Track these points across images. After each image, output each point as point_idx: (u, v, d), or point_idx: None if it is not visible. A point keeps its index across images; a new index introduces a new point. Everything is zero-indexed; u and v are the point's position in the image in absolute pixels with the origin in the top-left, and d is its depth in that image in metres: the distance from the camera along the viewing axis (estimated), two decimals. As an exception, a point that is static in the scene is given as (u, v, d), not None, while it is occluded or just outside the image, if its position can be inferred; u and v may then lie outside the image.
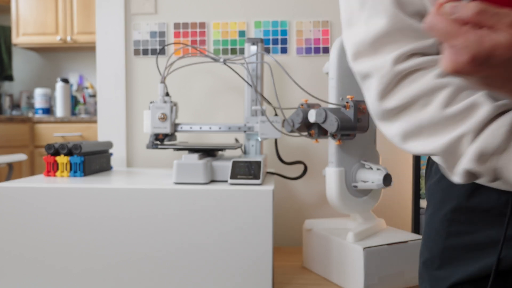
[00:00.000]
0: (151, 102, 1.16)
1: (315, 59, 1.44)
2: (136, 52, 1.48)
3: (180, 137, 1.47)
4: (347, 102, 1.00)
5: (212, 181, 1.05)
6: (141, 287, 0.98)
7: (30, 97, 3.50)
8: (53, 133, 2.92)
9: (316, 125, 1.05)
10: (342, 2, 0.61)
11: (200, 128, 1.19)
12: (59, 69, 3.52)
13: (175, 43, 1.47)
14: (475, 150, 0.48)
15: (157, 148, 1.15)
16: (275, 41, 1.44)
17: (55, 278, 0.99)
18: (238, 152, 1.42)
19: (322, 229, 1.14)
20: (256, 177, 1.00)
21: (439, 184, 0.71)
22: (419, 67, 0.53)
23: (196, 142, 1.44)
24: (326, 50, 1.43)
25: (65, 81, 3.22)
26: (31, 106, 3.48)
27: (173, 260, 0.97)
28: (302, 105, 1.09)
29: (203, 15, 1.46)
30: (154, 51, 1.48)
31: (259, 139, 1.16)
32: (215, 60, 1.21)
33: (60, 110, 3.18)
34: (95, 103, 3.27)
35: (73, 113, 3.30)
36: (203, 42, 1.46)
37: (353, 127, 0.99)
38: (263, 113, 1.11)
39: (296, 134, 1.06)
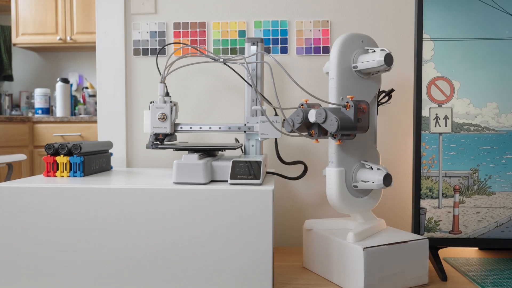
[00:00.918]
0: (151, 102, 1.16)
1: (315, 59, 1.44)
2: (136, 52, 1.48)
3: (180, 137, 1.47)
4: (347, 102, 1.00)
5: (212, 181, 1.05)
6: (140, 286, 0.98)
7: (30, 97, 3.50)
8: (52, 133, 2.92)
9: (316, 125, 1.05)
10: None
11: (200, 128, 1.19)
12: (58, 69, 3.52)
13: (175, 43, 1.47)
14: None
15: (157, 148, 1.15)
16: (275, 41, 1.44)
17: (55, 278, 0.99)
18: (238, 152, 1.42)
19: (322, 229, 1.14)
20: (256, 177, 1.00)
21: None
22: None
23: (196, 142, 1.44)
24: (326, 50, 1.43)
25: (65, 81, 3.22)
26: (30, 106, 3.48)
27: (173, 260, 0.97)
28: (302, 105, 1.09)
29: (203, 15, 1.46)
30: (154, 51, 1.47)
31: (259, 139, 1.16)
32: (215, 60, 1.21)
33: (59, 110, 3.18)
34: (95, 103, 3.27)
35: (72, 113, 3.30)
36: (203, 42, 1.46)
37: (353, 127, 0.99)
38: (263, 113, 1.11)
39: (296, 134, 1.06)
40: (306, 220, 1.20)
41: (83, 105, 3.31)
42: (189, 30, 1.46)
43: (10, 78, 3.46)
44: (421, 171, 1.20)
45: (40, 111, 3.19)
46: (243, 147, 1.26)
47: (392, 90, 1.18)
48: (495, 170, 1.19)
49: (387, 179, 1.04)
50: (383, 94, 1.18)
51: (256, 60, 1.25)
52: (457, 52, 1.17)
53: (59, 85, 3.14)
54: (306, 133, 1.08)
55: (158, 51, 1.47)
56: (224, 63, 1.23)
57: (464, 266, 1.19)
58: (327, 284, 1.07)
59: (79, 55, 3.45)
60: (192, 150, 1.13)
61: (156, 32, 1.47)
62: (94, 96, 3.27)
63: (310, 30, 1.43)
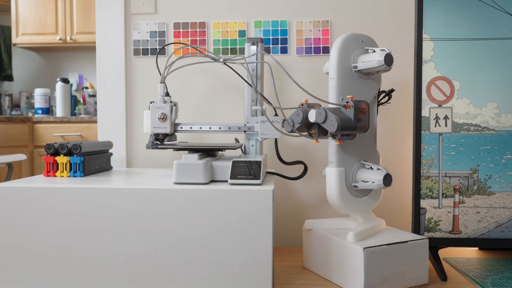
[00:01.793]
0: (151, 102, 1.16)
1: (315, 59, 1.44)
2: (136, 52, 1.48)
3: (180, 137, 1.47)
4: (347, 102, 1.00)
5: (212, 181, 1.05)
6: (140, 286, 0.98)
7: (30, 97, 3.50)
8: (52, 133, 2.92)
9: (316, 125, 1.05)
10: None
11: (200, 128, 1.19)
12: (58, 69, 3.52)
13: (175, 43, 1.47)
14: None
15: (157, 148, 1.15)
16: (275, 41, 1.44)
17: (55, 278, 0.99)
18: (238, 152, 1.42)
19: (322, 229, 1.14)
20: (256, 177, 1.00)
21: None
22: None
23: (196, 142, 1.44)
24: (326, 50, 1.43)
25: (65, 81, 3.22)
26: (30, 106, 3.49)
27: (173, 260, 0.97)
28: (302, 105, 1.09)
29: (203, 15, 1.46)
30: (154, 51, 1.47)
31: (259, 139, 1.16)
32: (215, 60, 1.21)
33: (59, 110, 3.18)
34: (95, 103, 3.27)
35: (72, 113, 3.30)
36: (203, 42, 1.46)
37: (353, 127, 0.99)
38: (263, 113, 1.11)
39: (296, 134, 1.06)
40: (306, 220, 1.20)
41: (83, 105, 3.31)
42: (189, 30, 1.46)
43: (10, 78, 3.46)
44: (421, 171, 1.20)
45: (40, 111, 3.19)
46: (243, 147, 1.26)
47: (392, 90, 1.18)
48: (495, 170, 1.19)
49: (387, 179, 1.04)
50: (383, 94, 1.18)
51: (256, 60, 1.25)
52: (457, 52, 1.17)
53: (59, 85, 3.14)
54: (306, 133, 1.08)
55: (158, 51, 1.47)
56: (224, 63, 1.23)
57: (464, 266, 1.19)
58: (327, 284, 1.07)
59: (79, 55, 3.45)
60: (192, 150, 1.13)
61: (156, 32, 1.47)
62: (94, 96, 3.27)
63: (310, 30, 1.43)
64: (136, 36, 1.48)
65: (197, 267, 0.97)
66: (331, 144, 1.08)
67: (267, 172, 1.24)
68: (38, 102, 3.19)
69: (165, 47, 1.47)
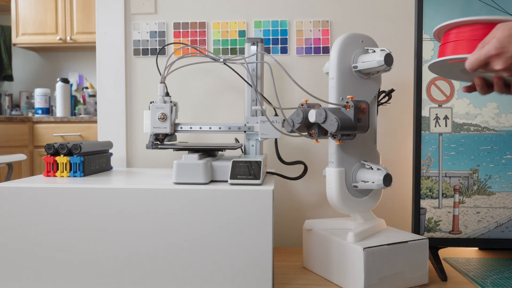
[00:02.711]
0: (151, 102, 1.16)
1: (315, 59, 1.44)
2: (136, 52, 1.48)
3: (180, 137, 1.47)
4: (347, 102, 1.00)
5: (212, 181, 1.05)
6: (140, 286, 0.98)
7: (30, 97, 3.50)
8: (52, 133, 2.92)
9: (316, 125, 1.05)
10: None
11: (200, 128, 1.19)
12: (58, 69, 3.52)
13: (175, 43, 1.47)
14: None
15: (157, 148, 1.15)
16: (275, 41, 1.44)
17: (56, 277, 0.99)
18: (238, 152, 1.42)
19: (322, 229, 1.14)
20: (256, 177, 1.00)
21: None
22: None
23: (196, 142, 1.44)
24: (326, 50, 1.43)
25: (65, 81, 3.22)
26: (30, 106, 3.48)
27: (173, 260, 0.97)
28: (302, 105, 1.09)
29: (203, 15, 1.46)
30: (154, 51, 1.47)
31: (259, 139, 1.16)
32: (215, 60, 1.21)
33: (59, 110, 3.18)
34: (95, 103, 3.27)
35: (72, 113, 3.30)
36: (203, 42, 1.46)
37: (353, 127, 0.99)
38: (263, 113, 1.11)
39: (296, 134, 1.06)
40: (306, 220, 1.20)
41: (83, 105, 3.31)
42: (189, 30, 1.46)
43: (10, 78, 3.46)
44: (421, 171, 1.20)
45: (40, 111, 3.19)
46: (243, 147, 1.26)
47: (392, 90, 1.18)
48: (495, 170, 1.19)
49: (387, 179, 1.04)
50: (383, 94, 1.18)
51: (256, 60, 1.25)
52: (457, 52, 1.17)
53: (59, 85, 3.14)
54: (306, 133, 1.08)
55: (158, 51, 1.47)
56: (224, 63, 1.23)
57: (464, 266, 1.19)
58: (327, 284, 1.07)
59: (79, 55, 3.45)
60: (192, 150, 1.13)
61: (156, 32, 1.47)
62: (94, 96, 3.27)
63: (310, 30, 1.43)
64: (136, 36, 1.48)
65: (197, 267, 0.97)
66: (331, 144, 1.08)
67: (267, 172, 1.24)
68: (38, 102, 3.19)
69: (165, 47, 1.47)
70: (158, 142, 1.17)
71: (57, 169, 1.12)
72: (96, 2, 1.48)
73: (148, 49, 1.48)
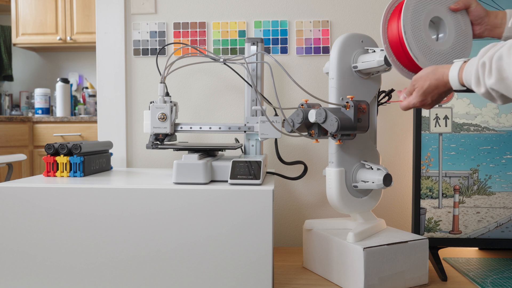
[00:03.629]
0: (151, 102, 1.16)
1: (315, 59, 1.44)
2: (136, 52, 1.48)
3: (180, 137, 1.47)
4: (347, 102, 1.00)
5: (212, 181, 1.05)
6: (140, 287, 0.98)
7: (30, 97, 3.50)
8: (52, 133, 2.92)
9: (316, 125, 1.05)
10: None
11: (200, 128, 1.19)
12: (58, 69, 3.52)
13: (175, 43, 1.47)
14: None
15: (157, 148, 1.15)
16: (275, 41, 1.44)
17: (55, 278, 0.99)
18: (238, 152, 1.42)
19: (322, 229, 1.14)
20: (256, 177, 1.00)
21: None
22: None
23: (196, 142, 1.44)
24: (326, 50, 1.43)
25: (65, 81, 3.21)
26: (30, 106, 3.48)
27: (173, 259, 0.97)
28: (302, 105, 1.09)
29: (203, 15, 1.46)
30: (154, 51, 1.47)
31: (259, 139, 1.16)
32: (215, 60, 1.21)
33: (59, 110, 3.18)
34: (95, 103, 3.27)
35: (72, 113, 3.30)
36: (203, 42, 1.46)
37: (353, 127, 0.99)
38: (263, 113, 1.11)
39: (296, 134, 1.06)
40: (306, 220, 1.20)
41: (83, 105, 3.30)
42: (189, 30, 1.46)
43: (10, 78, 3.46)
44: (421, 171, 1.20)
45: (40, 111, 3.19)
46: (243, 147, 1.26)
47: (392, 90, 1.18)
48: (495, 170, 1.19)
49: (387, 179, 1.04)
50: (383, 94, 1.18)
51: (256, 60, 1.25)
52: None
53: (59, 85, 3.14)
54: (306, 133, 1.08)
55: (158, 51, 1.47)
56: (224, 63, 1.23)
57: (464, 266, 1.19)
58: (327, 284, 1.07)
59: (79, 55, 3.45)
60: (192, 150, 1.13)
61: (156, 32, 1.47)
62: (94, 96, 3.27)
63: (310, 30, 1.43)
64: (136, 36, 1.48)
65: (197, 267, 0.97)
66: (331, 144, 1.08)
67: (267, 172, 1.24)
68: (38, 102, 3.19)
69: (165, 47, 1.47)
70: (158, 142, 1.17)
71: (57, 169, 1.12)
72: (96, 2, 1.48)
73: (148, 49, 1.48)
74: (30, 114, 3.39)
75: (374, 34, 1.43)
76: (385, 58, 1.01)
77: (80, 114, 3.30)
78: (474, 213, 1.20)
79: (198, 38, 1.46)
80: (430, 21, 0.94)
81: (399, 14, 0.93)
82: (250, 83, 1.23)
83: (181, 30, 1.47)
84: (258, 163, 1.02)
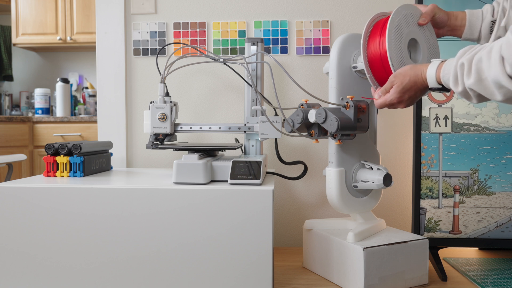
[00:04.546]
0: (151, 102, 1.16)
1: (315, 59, 1.44)
2: (136, 52, 1.48)
3: (180, 137, 1.47)
4: (347, 102, 1.00)
5: (212, 181, 1.05)
6: (140, 287, 0.98)
7: (30, 97, 3.50)
8: (52, 133, 2.92)
9: (316, 125, 1.05)
10: None
11: (200, 128, 1.19)
12: (58, 69, 3.52)
13: (175, 43, 1.47)
14: None
15: (157, 148, 1.15)
16: (275, 41, 1.44)
17: (55, 278, 0.99)
18: (238, 152, 1.42)
19: (322, 229, 1.14)
20: (256, 177, 1.00)
21: None
22: None
23: (196, 142, 1.44)
24: (326, 50, 1.43)
25: (65, 81, 3.21)
26: (30, 106, 3.48)
27: (173, 260, 0.97)
28: (302, 105, 1.09)
29: (203, 15, 1.46)
30: (154, 51, 1.47)
31: (259, 139, 1.16)
32: (215, 60, 1.21)
33: (59, 110, 3.18)
34: (95, 103, 3.27)
35: (72, 113, 3.30)
36: (203, 42, 1.46)
37: (353, 127, 0.99)
38: (263, 113, 1.11)
39: (296, 134, 1.06)
40: (306, 220, 1.20)
41: (83, 105, 3.30)
42: (189, 30, 1.46)
43: (10, 78, 3.46)
44: (421, 171, 1.20)
45: (40, 111, 3.19)
46: (243, 147, 1.26)
47: (392, 90, 1.18)
48: (495, 170, 1.19)
49: (387, 179, 1.04)
50: (383, 94, 1.18)
51: (256, 60, 1.25)
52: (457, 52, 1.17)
53: (59, 85, 3.14)
54: (306, 133, 1.08)
55: (158, 51, 1.47)
56: (224, 63, 1.23)
57: (464, 266, 1.19)
58: (327, 284, 1.07)
59: (79, 55, 3.45)
60: (192, 150, 1.13)
61: (156, 32, 1.47)
62: (94, 96, 3.27)
63: (310, 30, 1.43)
64: (136, 36, 1.48)
65: (197, 267, 0.97)
66: (331, 144, 1.08)
67: (267, 172, 1.24)
68: (38, 102, 3.19)
69: (165, 47, 1.47)
70: (158, 142, 1.17)
71: (57, 169, 1.12)
72: (96, 2, 1.48)
73: (148, 49, 1.48)
74: (30, 114, 3.39)
75: (374, 34, 1.43)
76: None
77: (80, 114, 3.30)
78: (474, 213, 1.20)
79: (198, 38, 1.46)
80: (408, 42, 0.97)
81: (381, 32, 0.96)
82: (250, 83, 1.23)
83: (181, 30, 1.47)
84: (258, 163, 1.02)
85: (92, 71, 3.46)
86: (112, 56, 1.47)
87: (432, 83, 0.87)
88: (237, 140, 1.34)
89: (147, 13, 1.48)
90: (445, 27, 1.02)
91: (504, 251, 1.32)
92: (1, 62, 3.43)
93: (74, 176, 1.11)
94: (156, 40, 1.47)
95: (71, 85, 3.32)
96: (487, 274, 1.12)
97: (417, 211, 1.20)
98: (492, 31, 0.98)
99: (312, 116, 1.02)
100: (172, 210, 0.97)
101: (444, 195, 1.20)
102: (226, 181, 1.04)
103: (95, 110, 3.27)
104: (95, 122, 2.92)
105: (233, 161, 1.03)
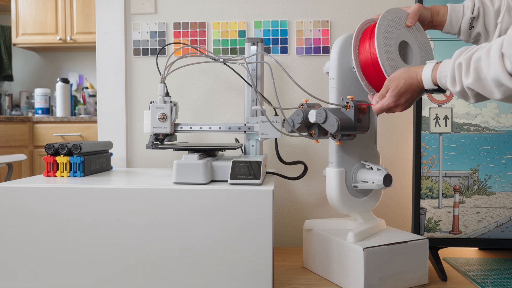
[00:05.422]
0: (151, 102, 1.16)
1: (315, 59, 1.44)
2: (136, 52, 1.48)
3: (180, 137, 1.47)
4: (347, 102, 1.00)
5: (212, 181, 1.05)
6: (140, 287, 0.98)
7: (30, 97, 3.50)
8: (52, 133, 2.92)
9: (317, 125, 1.05)
10: None
11: (200, 128, 1.19)
12: (58, 69, 3.52)
13: (175, 43, 1.47)
14: None
15: (157, 148, 1.15)
16: (275, 41, 1.44)
17: (55, 277, 0.99)
18: (238, 152, 1.42)
19: (322, 229, 1.14)
20: (256, 177, 1.00)
21: None
22: None
23: (196, 142, 1.44)
24: (326, 50, 1.43)
25: (65, 81, 3.21)
26: (30, 106, 3.48)
27: (173, 260, 0.97)
28: (302, 105, 1.09)
29: (203, 15, 1.46)
30: (154, 51, 1.47)
31: (259, 139, 1.16)
32: (215, 60, 1.21)
33: (59, 110, 3.18)
34: (95, 103, 3.27)
35: (72, 113, 3.30)
36: (203, 42, 1.46)
37: (353, 127, 0.99)
38: (263, 113, 1.11)
39: (296, 134, 1.06)
40: (306, 220, 1.20)
41: (83, 105, 3.30)
42: (189, 30, 1.46)
43: (10, 78, 3.46)
44: (421, 171, 1.20)
45: (40, 111, 3.18)
46: (243, 147, 1.26)
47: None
48: (495, 170, 1.19)
49: (387, 180, 1.04)
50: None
51: (256, 60, 1.25)
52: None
53: (59, 85, 3.14)
54: (306, 133, 1.08)
55: (158, 51, 1.47)
56: (224, 63, 1.23)
57: (464, 266, 1.19)
58: (327, 284, 1.07)
59: (79, 55, 3.45)
60: (192, 150, 1.13)
61: (156, 32, 1.47)
62: (94, 96, 3.27)
63: (310, 30, 1.43)
64: (136, 36, 1.48)
65: (197, 267, 0.97)
66: (331, 144, 1.08)
67: (267, 172, 1.24)
68: (38, 102, 3.19)
69: (165, 47, 1.47)
70: (158, 142, 1.17)
71: (57, 169, 1.12)
72: (96, 2, 1.48)
73: (148, 49, 1.48)
74: (30, 114, 3.39)
75: (374, 34, 1.43)
76: None
77: (80, 114, 3.30)
78: (474, 213, 1.20)
79: (198, 38, 1.46)
80: (398, 45, 0.98)
81: (370, 39, 0.96)
82: (250, 83, 1.23)
83: (181, 30, 1.47)
84: (258, 163, 1.02)
85: (92, 71, 3.46)
86: (112, 56, 1.47)
87: (428, 84, 0.87)
88: (237, 140, 1.34)
89: (147, 13, 1.48)
90: (429, 24, 1.03)
91: (504, 251, 1.32)
92: (1, 62, 3.43)
93: (74, 176, 1.11)
94: (156, 40, 1.47)
95: (71, 85, 3.32)
96: (487, 274, 1.12)
97: (417, 211, 1.20)
98: (472, 27, 0.98)
99: (312, 116, 1.02)
100: (172, 210, 0.97)
101: (444, 195, 1.20)
102: (226, 181, 1.04)
103: (95, 110, 3.27)
104: (95, 122, 2.92)
105: (233, 161, 1.03)
